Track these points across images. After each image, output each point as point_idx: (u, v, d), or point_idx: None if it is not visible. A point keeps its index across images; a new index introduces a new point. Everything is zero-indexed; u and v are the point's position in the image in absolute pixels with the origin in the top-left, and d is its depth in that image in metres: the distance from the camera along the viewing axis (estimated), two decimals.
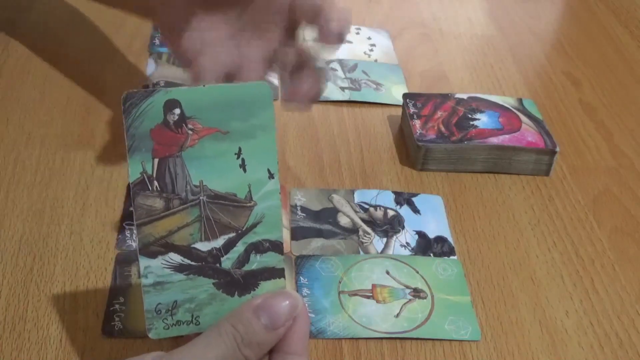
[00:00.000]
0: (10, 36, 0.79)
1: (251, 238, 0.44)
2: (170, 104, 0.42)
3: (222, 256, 0.43)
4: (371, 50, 0.83)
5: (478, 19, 0.92)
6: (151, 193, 0.42)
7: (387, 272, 0.56)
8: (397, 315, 0.53)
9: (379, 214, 0.61)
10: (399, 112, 0.73)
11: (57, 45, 0.78)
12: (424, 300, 0.54)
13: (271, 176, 0.43)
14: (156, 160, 0.42)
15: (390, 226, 0.60)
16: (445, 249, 0.59)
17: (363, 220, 0.61)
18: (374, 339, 0.51)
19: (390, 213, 0.62)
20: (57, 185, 0.61)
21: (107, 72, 0.75)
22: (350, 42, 0.84)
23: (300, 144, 0.68)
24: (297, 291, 0.54)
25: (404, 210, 0.62)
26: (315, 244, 0.58)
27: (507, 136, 0.67)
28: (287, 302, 0.41)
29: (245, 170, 0.43)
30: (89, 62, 0.76)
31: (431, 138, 0.66)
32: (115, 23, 0.81)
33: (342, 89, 0.76)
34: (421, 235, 0.60)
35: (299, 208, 0.61)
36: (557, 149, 0.66)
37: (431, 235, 0.60)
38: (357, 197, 0.63)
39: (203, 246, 0.43)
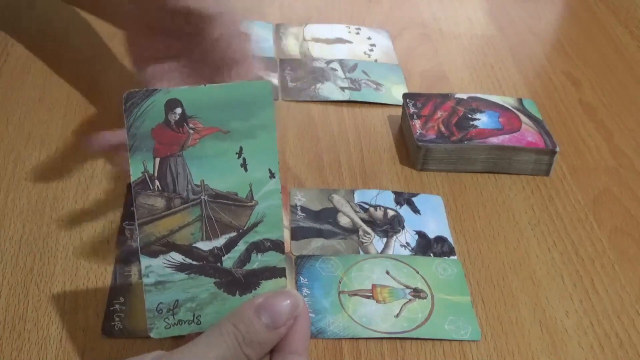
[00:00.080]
0: (10, 36, 0.79)
1: (252, 237, 0.44)
2: (172, 104, 0.42)
3: (224, 255, 0.43)
4: (371, 50, 0.83)
5: (478, 19, 0.92)
6: (152, 192, 0.42)
7: (387, 272, 0.56)
8: (397, 315, 0.53)
9: (379, 214, 0.61)
10: (399, 112, 0.73)
11: (57, 46, 0.78)
12: (424, 300, 0.54)
13: (272, 176, 0.43)
14: (157, 160, 0.42)
15: (390, 226, 0.60)
16: (445, 249, 0.59)
17: (363, 220, 0.61)
18: (374, 339, 0.51)
19: (390, 213, 0.62)
20: (57, 185, 0.61)
21: (106, 72, 0.75)
22: (350, 42, 0.84)
23: (300, 144, 0.68)
24: (297, 291, 0.53)
25: (404, 210, 0.62)
26: (315, 244, 0.58)
27: (507, 136, 0.67)
28: (288, 301, 0.41)
29: (246, 170, 0.43)
30: (89, 62, 0.76)
31: (431, 138, 0.66)
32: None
33: (342, 89, 0.76)
34: (421, 235, 0.60)
35: (299, 208, 0.61)
36: (557, 149, 0.66)
37: (431, 235, 0.60)
38: (357, 197, 0.63)
39: (204, 245, 0.43)
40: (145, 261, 0.42)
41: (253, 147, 0.43)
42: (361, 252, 0.58)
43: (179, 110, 0.42)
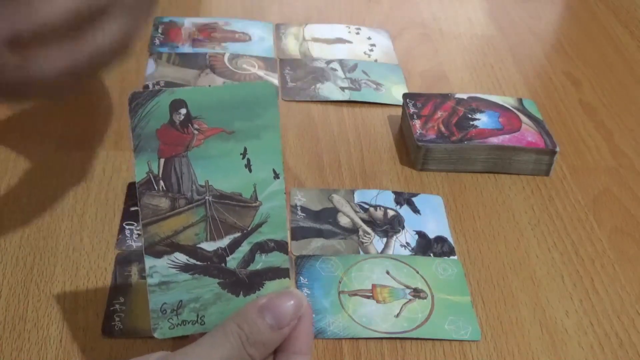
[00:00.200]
0: None
1: (256, 238, 0.44)
2: (176, 104, 0.42)
3: (228, 256, 0.43)
4: (371, 50, 0.83)
5: (478, 19, 0.92)
6: (157, 193, 0.42)
7: (387, 272, 0.56)
8: (397, 315, 0.53)
9: (379, 214, 0.61)
10: (399, 112, 0.73)
11: None
12: (424, 300, 0.54)
13: (276, 176, 0.43)
14: (162, 160, 0.42)
15: (390, 226, 0.60)
16: (445, 249, 0.59)
17: (363, 220, 0.61)
18: (374, 339, 0.51)
19: (390, 213, 0.62)
20: (57, 185, 0.61)
21: (108, 72, 0.74)
22: (350, 42, 0.84)
23: (300, 144, 0.68)
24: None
25: (404, 210, 0.62)
26: (315, 244, 0.58)
27: (507, 136, 0.67)
28: (292, 301, 0.41)
29: (250, 170, 0.43)
30: None
31: (431, 138, 0.66)
32: None
33: (342, 89, 0.76)
34: (421, 235, 0.60)
35: (299, 208, 0.61)
36: (557, 149, 0.66)
37: (431, 235, 0.60)
38: (357, 197, 0.63)
39: (208, 246, 0.43)
40: (149, 261, 0.42)
41: (257, 147, 0.43)
42: (361, 252, 0.58)
43: (183, 111, 0.42)
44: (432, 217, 0.62)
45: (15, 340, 0.49)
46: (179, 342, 0.44)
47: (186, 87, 0.42)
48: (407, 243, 0.59)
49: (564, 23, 0.97)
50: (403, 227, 0.60)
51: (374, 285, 0.55)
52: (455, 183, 0.66)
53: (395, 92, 0.76)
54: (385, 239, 0.59)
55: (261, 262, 0.44)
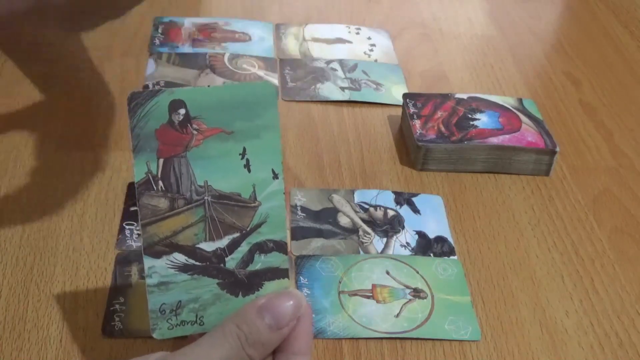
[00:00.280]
0: (10, 37, 0.78)
1: (255, 238, 0.44)
2: (176, 104, 0.42)
3: (227, 256, 0.43)
4: (371, 50, 0.83)
5: (478, 19, 0.92)
6: (156, 193, 0.42)
7: (387, 272, 0.56)
8: (397, 315, 0.53)
9: (379, 214, 0.61)
10: (399, 112, 0.73)
11: (57, 46, 0.78)
12: (424, 300, 0.54)
13: (275, 176, 0.43)
14: (161, 160, 0.42)
15: (390, 226, 0.60)
16: (445, 249, 0.59)
17: (363, 220, 0.61)
18: (374, 339, 0.51)
19: (390, 213, 0.62)
20: (57, 185, 0.61)
21: (106, 73, 0.74)
22: (350, 42, 0.84)
23: (300, 144, 0.68)
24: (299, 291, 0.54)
25: (404, 210, 0.62)
26: (315, 244, 0.58)
27: (507, 136, 0.67)
28: (291, 302, 0.41)
29: (249, 171, 0.43)
30: (89, 62, 0.76)
31: (431, 138, 0.66)
32: (115, 23, 0.81)
33: (342, 89, 0.76)
34: (421, 235, 0.60)
35: (299, 208, 0.61)
36: (557, 149, 0.66)
37: (431, 235, 0.60)
38: (357, 197, 0.63)
39: (207, 246, 0.43)
40: (148, 262, 0.42)
41: (256, 147, 0.43)
42: (361, 252, 0.58)
43: (182, 111, 0.42)
44: (432, 217, 0.62)
45: (15, 340, 0.49)
46: (179, 342, 0.44)
47: (185, 87, 0.42)
48: (407, 243, 0.59)
49: (564, 23, 0.97)
50: (403, 227, 0.60)
51: (374, 285, 0.55)
52: (455, 183, 0.66)
53: (395, 92, 0.76)
54: (385, 239, 0.59)
55: (260, 262, 0.44)
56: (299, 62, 0.79)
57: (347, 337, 0.51)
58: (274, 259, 0.44)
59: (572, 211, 0.64)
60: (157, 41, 0.79)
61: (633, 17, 0.95)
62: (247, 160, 0.43)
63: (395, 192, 0.64)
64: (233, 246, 0.43)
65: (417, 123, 0.68)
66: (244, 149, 0.43)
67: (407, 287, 0.55)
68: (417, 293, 0.55)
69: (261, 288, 0.44)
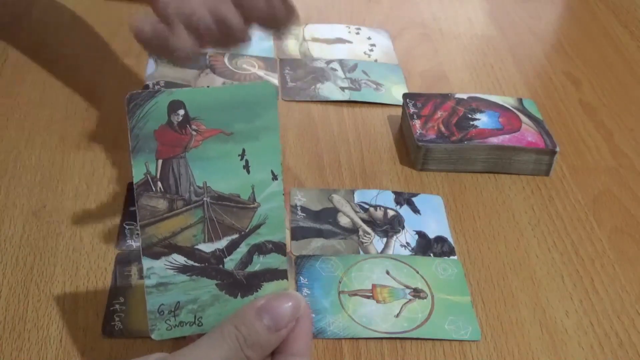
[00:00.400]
0: (10, 37, 0.78)
1: (254, 239, 0.44)
2: (175, 105, 0.42)
3: (225, 257, 0.43)
4: (371, 50, 0.83)
5: (478, 19, 0.92)
6: (155, 194, 0.42)
7: (387, 272, 0.56)
8: (397, 315, 0.53)
9: (379, 214, 0.61)
10: (399, 112, 0.73)
11: (57, 46, 0.78)
12: (424, 300, 0.54)
13: (274, 177, 0.43)
14: (160, 161, 0.42)
15: (390, 226, 0.60)
16: (445, 249, 0.59)
17: (363, 220, 0.61)
18: (374, 339, 0.51)
19: (390, 213, 0.62)
20: (57, 185, 0.61)
21: (107, 73, 0.74)
22: (350, 42, 0.84)
23: (300, 144, 0.68)
24: (297, 291, 0.54)
25: (404, 210, 0.62)
26: (315, 244, 0.58)
27: (507, 136, 0.67)
28: (290, 303, 0.41)
29: (248, 172, 0.43)
30: (89, 63, 0.76)
31: (431, 138, 0.66)
32: (115, 23, 0.81)
33: (342, 89, 0.76)
34: (421, 235, 0.60)
35: (299, 208, 0.61)
36: (557, 149, 0.66)
37: (431, 235, 0.60)
38: (357, 197, 0.63)
39: (206, 247, 0.43)
40: (147, 263, 0.42)
41: (256, 149, 0.43)
42: (361, 252, 0.58)
43: (181, 112, 0.42)
44: (432, 217, 0.62)
45: (15, 340, 0.49)
46: (178, 342, 0.44)
47: (185, 88, 0.42)
48: (407, 243, 0.59)
49: (564, 23, 0.97)
50: (403, 227, 0.60)
51: (374, 285, 0.55)
52: (455, 183, 0.66)
53: (395, 92, 0.76)
54: (385, 239, 0.59)
55: (259, 263, 0.44)
56: (299, 62, 0.79)
57: (347, 337, 0.51)
58: (273, 260, 0.44)
59: (572, 211, 0.64)
60: None
61: (633, 17, 0.95)
62: (247, 162, 0.43)
63: (395, 192, 0.64)
64: (232, 247, 0.43)
65: (417, 123, 0.68)
66: (243, 150, 0.43)
67: (407, 287, 0.55)
68: (417, 293, 0.55)
69: (260, 289, 0.44)
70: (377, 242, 0.59)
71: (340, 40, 0.84)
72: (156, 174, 0.42)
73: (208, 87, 0.42)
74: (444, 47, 0.85)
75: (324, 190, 0.63)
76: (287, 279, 0.44)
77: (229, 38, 0.55)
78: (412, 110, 0.69)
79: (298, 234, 0.59)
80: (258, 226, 0.43)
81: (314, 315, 0.52)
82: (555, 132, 0.71)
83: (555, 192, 0.66)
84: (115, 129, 0.67)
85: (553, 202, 0.65)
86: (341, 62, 0.80)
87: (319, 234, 0.59)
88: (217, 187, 0.43)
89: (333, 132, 0.70)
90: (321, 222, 0.60)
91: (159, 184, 0.42)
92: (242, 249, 0.43)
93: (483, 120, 0.69)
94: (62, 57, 0.76)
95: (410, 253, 0.58)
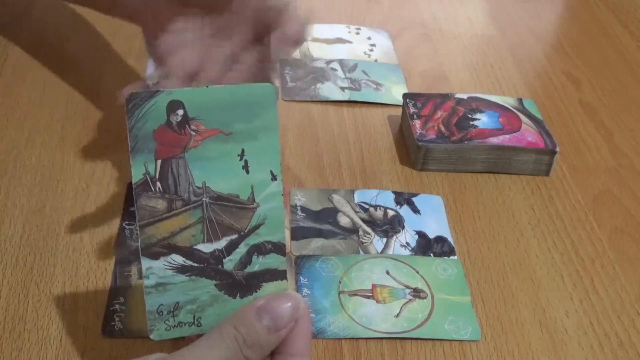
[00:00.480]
0: (10, 37, 0.78)
1: (253, 240, 0.44)
2: (174, 105, 0.42)
3: (224, 257, 0.43)
4: (371, 50, 0.83)
5: (478, 19, 0.92)
6: (154, 194, 0.42)
7: (387, 272, 0.56)
8: (397, 315, 0.53)
9: (379, 214, 0.61)
10: (399, 112, 0.73)
11: (57, 46, 0.78)
12: (424, 300, 0.54)
13: (274, 178, 0.43)
14: (159, 162, 0.42)
15: (390, 226, 0.60)
16: (445, 249, 0.59)
17: (363, 220, 0.61)
18: (374, 339, 0.51)
19: (390, 213, 0.62)
20: (57, 185, 0.61)
21: (106, 73, 0.74)
22: (350, 42, 0.84)
23: (300, 144, 0.68)
24: (297, 291, 0.54)
25: (404, 210, 0.62)
26: (315, 244, 0.58)
27: (507, 136, 0.67)
28: (289, 303, 0.41)
29: (248, 172, 0.43)
30: (89, 63, 0.76)
31: (431, 138, 0.66)
32: (115, 24, 0.81)
33: (342, 89, 0.76)
34: (421, 235, 0.60)
35: (299, 208, 0.61)
36: (557, 149, 0.66)
37: (431, 235, 0.60)
38: (357, 197, 0.63)
39: (205, 247, 0.43)
40: (146, 263, 0.42)
41: (255, 149, 0.43)
42: (361, 252, 0.58)
43: (180, 112, 0.42)
44: (432, 217, 0.62)
45: (15, 340, 0.49)
46: (178, 342, 0.44)
47: (184, 88, 0.42)
48: (407, 243, 0.59)
49: (564, 23, 0.97)
50: (403, 227, 0.60)
51: (374, 285, 0.55)
52: (455, 183, 0.66)
53: (395, 92, 0.76)
54: (385, 239, 0.59)
55: (258, 263, 0.44)
56: (299, 62, 0.79)
57: (347, 337, 0.51)
58: (272, 261, 0.44)
59: (572, 211, 0.64)
60: None
61: (633, 17, 0.95)
62: (246, 162, 0.43)
63: (395, 192, 0.64)
64: (231, 247, 0.43)
65: (417, 123, 0.68)
66: (243, 150, 0.43)
67: (407, 287, 0.55)
68: (417, 293, 0.55)
69: (259, 289, 0.44)
70: (377, 242, 0.59)
71: (340, 40, 0.84)
72: (155, 174, 0.42)
73: (207, 87, 0.42)
74: (444, 47, 0.85)
75: (324, 190, 0.63)
76: (286, 279, 0.44)
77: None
78: (412, 110, 0.69)
79: (298, 234, 0.59)
80: (257, 226, 0.43)
81: (313, 315, 0.52)
82: (555, 132, 0.71)
83: (555, 192, 0.66)
84: (115, 129, 0.67)
85: (553, 202, 0.65)
86: (341, 62, 0.80)
87: (319, 234, 0.59)
88: (217, 187, 0.43)
89: (333, 132, 0.70)
90: (321, 222, 0.60)
91: (158, 184, 0.42)
92: (242, 249, 0.43)
93: (483, 120, 0.69)
94: (62, 57, 0.76)
95: (410, 253, 0.58)
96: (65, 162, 0.63)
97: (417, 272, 0.56)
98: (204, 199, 0.43)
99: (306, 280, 0.55)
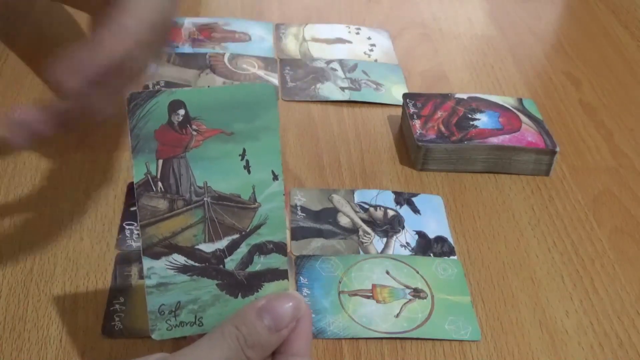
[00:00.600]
0: (10, 38, 0.78)
1: (255, 239, 0.44)
2: (175, 105, 0.42)
3: (226, 257, 0.43)
4: (371, 50, 0.83)
5: (478, 19, 0.92)
6: (155, 194, 0.42)
7: (387, 272, 0.56)
8: (397, 315, 0.53)
9: (379, 214, 0.61)
10: (399, 112, 0.73)
11: (57, 45, 0.78)
12: (424, 300, 0.54)
13: (275, 177, 0.43)
14: (160, 161, 0.42)
15: (390, 226, 0.60)
16: (445, 249, 0.59)
17: (363, 220, 0.61)
18: (374, 339, 0.51)
19: (390, 213, 0.62)
20: (57, 185, 0.61)
21: None
22: (350, 42, 0.84)
23: (300, 144, 0.68)
24: (297, 291, 0.54)
25: (404, 210, 0.62)
26: (315, 244, 0.58)
27: (507, 136, 0.67)
28: (291, 303, 0.41)
29: (249, 172, 0.43)
30: None
31: (431, 138, 0.66)
32: None
33: (342, 89, 0.76)
34: (421, 235, 0.60)
35: (299, 208, 0.61)
36: (557, 149, 0.66)
37: (431, 235, 0.60)
38: (357, 197, 0.63)
39: (207, 247, 0.43)
40: (147, 263, 0.42)
41: (256, 149, 0.43)
42: (361, 252, 0.58)
43: (182, 112, 0.42)
44: (432, 217, 0.62)
45: (15, 340, 0.49)
46: (179, 342, 0.44)
47: (185, 88, 0.42)
48: (407, 243, 0.59)
49: (564, 23, 0.97)
50: (403, 227, 0.60)
51: (374, 285, 0.55)
52: (455, 183, 0.66)
53: (395, 92, 0.76)
54: (385, 239, 0.59)
55: (259, 263, 0.44)
56: (299, 62, 0.79)
57: (347, 337, 0.51)
58: (274, 260, 0.44)
59: (572, 211, 0.64)
60: None
61: (633, 17, 0.95)
62: (247, 162, 0.43)
63: (395, 192, 0.64)
64: (232, 247, 0.43)
65: (417, 123, 0.68)
66: (244, 150, 0.43)
67: (407, 287, 0.55)
68: (417, 293, 0.55)
69: (260, 289, 0.44)
70: (377, 242, 0.59)
71: (340, 40, 0.84)
72: (157, 174, 0.42)
73: (208, 87, 0.42)
74: (444, 47, 0.85)
75: (324, 190, 0.63)
76: (287, 279, 0.44)
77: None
78: (412, 110, 0.69)
79: (298, 234, 0.59)
80: (259, 226, 0.43)
81: (314, 315, 0.52)
82: (555, 132, 0.71)
83: (555, 192, 0.66)
84: (115, 128, 0.67)
85: (553, 202, 0.65)
86: (341, 62, 0.80)
87: (319, 234, 0.59)
88: (218, 187, 0.43)
89: (333, 132, 0.70)
90: (321, 222, 0.60)
91: (160, 184, 0.42)
92: (243, 249, 0.43)
93: (483, 120, 0.69)
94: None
95: (410, 253, 0.58)
96: (65, 162, 0.63)
97: (417, 272, 0.56)
98: (205, 199, 0.43)
99: (306, 280, 0.55)
